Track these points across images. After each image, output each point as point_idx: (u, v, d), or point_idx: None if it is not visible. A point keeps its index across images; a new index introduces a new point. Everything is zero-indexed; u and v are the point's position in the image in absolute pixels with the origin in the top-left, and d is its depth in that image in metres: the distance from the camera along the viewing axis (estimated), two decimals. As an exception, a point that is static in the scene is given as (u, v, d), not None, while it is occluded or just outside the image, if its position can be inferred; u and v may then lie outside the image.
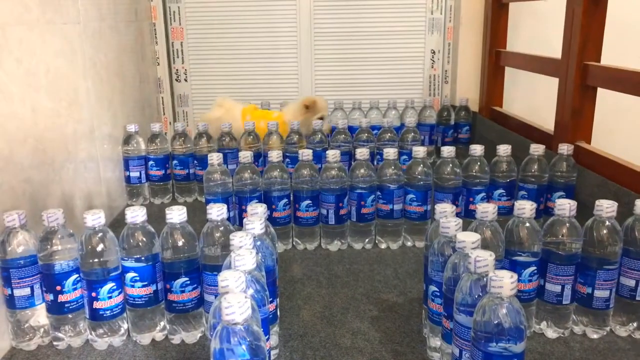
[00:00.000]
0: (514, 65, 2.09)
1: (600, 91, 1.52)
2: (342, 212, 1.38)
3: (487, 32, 2.21)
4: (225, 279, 0.72)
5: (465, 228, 0.92)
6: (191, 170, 1.80)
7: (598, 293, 1.00)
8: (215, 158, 1.40)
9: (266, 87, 2.36)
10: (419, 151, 1.40)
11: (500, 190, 1.45)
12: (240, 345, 0.66)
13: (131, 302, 1.00)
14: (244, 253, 0.81)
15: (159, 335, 1.03)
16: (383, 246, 1.43)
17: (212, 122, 1.89)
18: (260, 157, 1.83)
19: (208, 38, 2.34)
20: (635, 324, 1.02)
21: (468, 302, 0.78)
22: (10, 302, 0.99)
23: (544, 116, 1.82)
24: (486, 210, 0.96)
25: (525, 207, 0.97)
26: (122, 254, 0.98)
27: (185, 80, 2.39)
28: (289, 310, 1.12)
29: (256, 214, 1.00)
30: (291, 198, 1.41)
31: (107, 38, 1.66)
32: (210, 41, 2.34)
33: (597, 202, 0.98)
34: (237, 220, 1.42)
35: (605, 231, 0.98)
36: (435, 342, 0.94)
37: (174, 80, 2.38)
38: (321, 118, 1.92)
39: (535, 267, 0.98)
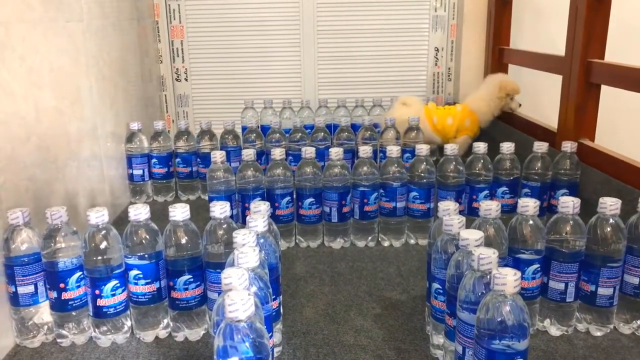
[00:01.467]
0: (517, 62, 2.08)
1: (604, 88, 1.51)
2: (345, 209, 1.38)
3: (490, 29, 2.21)
4: (229, 276, 0.72)
5: (468, 226, 0.92)
6: (194, 168, 1.80)
7: (602, 291, 1.00)
8: (218, 156, 1.40)
9: (269, 86, 2.36)
10: (422, 149, 1.40)
11: (504, 188, 1.45)
12: (244, 343, 0.66)
13: (134, 299, 1.00)
14: (247, 251, 0.81)
15: (162, 333, 1.03)
16: (386, 244, 1.43)
17: (401, 119, 1.89)
18: (263, 155, 1.83)
19: (209, 36, 2.33)
20: (639, 322, 1.02)
21: (471, 299, 0.78)
22: (14, 299, 0.99)
23: (548, 114, 1.81)
24: (489, 207, 0.95)
25: (529, 205, 0.96)
26: (126, 251, 0.98)
27: (186, 80, 2.37)
28: (292, 308, 1.12)
29: (259, 212, 1.00)
30: (294, 196, 1.41)
31: (110, 36, 1.66)
32: (211, 39, 2.34)
33: (601, 200, 0.98)
34: (240, 218, 1.43)
35: (608, 229, 0.97)
36: (439, 339, 0.94)
37: (174, 80, 2.37)
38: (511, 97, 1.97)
39: (538, 265, 0.98)
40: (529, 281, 0.99)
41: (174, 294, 1.00)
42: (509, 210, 1.41)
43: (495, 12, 2.16)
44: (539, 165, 1.44)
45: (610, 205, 0.97)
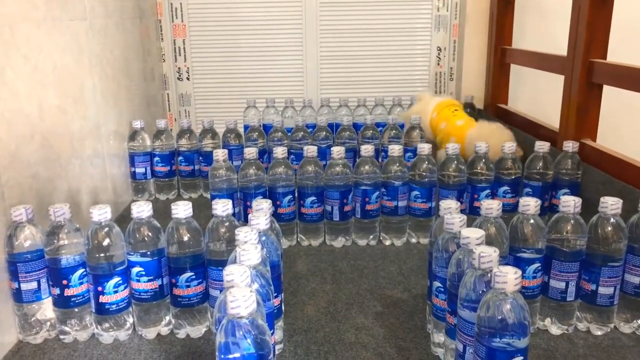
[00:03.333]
0: (519, 62, 2.08)
1: (606, 88, 1.52)
2: (347, 208, 1.39)
3: (492, 29, 2.21)
4: (231, 273, 0.72)
5: (469, 224, 0.93)
6: (196, 167, 1.80)
7: (602, 290, 1.00)
8: (220, 154, 1.41)
9: (271, 84, 2.36)
10: (424, 148, 1.40)
11: (505, 188, 1.45)
12: (245, 339, 0.66)
13: (137, 296, 1.01)
14: (249, 248, 0.81)
15: (164, 330, 1.04)
16: (387, 242, 1.43)
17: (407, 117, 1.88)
18: (265, 153, 1.84)
19: (211, 35, 2.34)
20: (639, 321, 1.02)
21: (472, 297, 0.79)
22: (18, 295, 1.00)
23: (550, 113, 1.81)
24: (491, 206, 0.96)
25: (530, 204, 0.97)
26: (128, 248, 0.98)
27: (188, 79, 2.38)
28: (293, 306, 1.13)
29: (261, 210, 1.01)
30: (296, 194, 1.41)
31: (113, 35, 1.67)
32: (213, 38, 2.34)
33: (602, 199, 0.98)
34: (242, 216, 1.43)
35: (609, 228, 0.98)
36: (439, 337, 0.95)
37: (177, 79, 2.37)
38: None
39: (539, 264, 0.99)
40: (530, 280, 0.99)
41: (176, 291, 1.00)
42: (510, 210, 1.41)
43: (498, 11, 2.16)
44: (540, 164, 1.44)
45: (611, 204, 0.97)
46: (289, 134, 1.85)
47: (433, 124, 1.93)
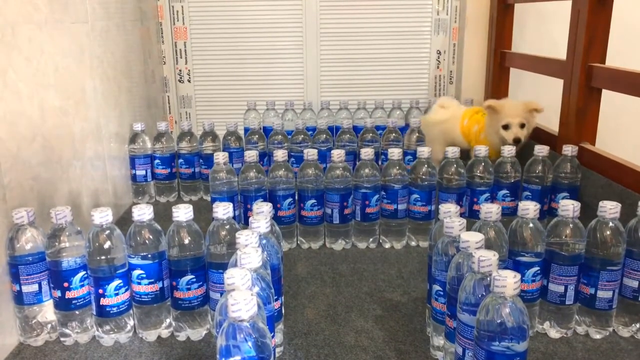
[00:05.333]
0: (519, 66, 2.09)
1: (605, 92, 1.52)
2: (347, 211, 1.39)
3: (492, 33, 2.21)
4: (232, 276, 0.73)
5: (469, 228, 0.93)
6: (197, 169, 1.81)
7: (601, 294, 1.00)
8: (220, 157, 1.41)
9: (271, 87, 2.37)
10: (424, 151, 1.40)
11: (505, 191, 1.46)
12: (246, 342, 0.67)
13: (137, 299, 1.01)
14: (250, 251, 0.82)
15: (164, 332, 1.04)
16: (387, 246, 1.43)
17: (435, 124, 1.87)
18: (265, 156, 1.84)
19: (212, 38, 2.34)
20: (638, 325, 1.02)
21: (471, 301, 0.79)
22: (19, 298, 1.00)
23: (549, 117, 1.82)
24: (490, 210, 0.96)
25: (529, 208, 0.97)
26: (129, 251, 0.99)
27: (189, 81, 2.38)
28: (293, 309, 1.13)
29: (262, 213, 1.01)
30: (296, 197, 1.42)
31: (114, 37, 1.67)
32: (214, 41, 2.34)
33: (601, 203, 0.99)
34: (242, 219, 1.43)
35: (608, 232, 0.98)
36: (439, 341, 0.95)
37: (177, 81, 2.38)
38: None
39: (538, 268, 0.99)
40: (529, 284, 0.99)
41: (177, 294, 1.01)
42: (510, 213, 1.42)
43: (498, 15, 2.17)
44: (539, 168, 1.45)
45: (610, 208, 0.98)
46: (289, 136, 1.85)
47: (465, 130, 1.90)
